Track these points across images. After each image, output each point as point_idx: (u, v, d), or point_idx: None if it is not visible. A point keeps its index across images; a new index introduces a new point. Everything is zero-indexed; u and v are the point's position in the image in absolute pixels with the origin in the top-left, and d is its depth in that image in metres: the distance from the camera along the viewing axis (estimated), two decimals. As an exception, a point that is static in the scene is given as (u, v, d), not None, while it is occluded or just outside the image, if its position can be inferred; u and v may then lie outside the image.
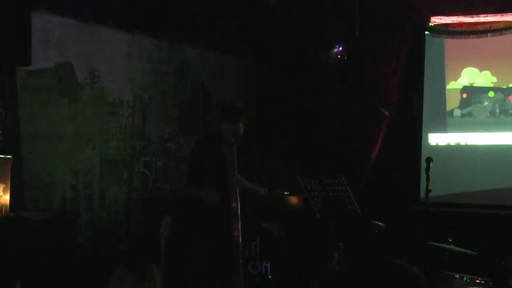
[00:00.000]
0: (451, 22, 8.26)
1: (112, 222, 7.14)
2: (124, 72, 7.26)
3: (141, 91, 7.45)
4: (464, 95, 8.40)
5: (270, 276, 7.31)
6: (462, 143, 8.34)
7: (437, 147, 8.38)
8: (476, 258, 6.32)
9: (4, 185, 5.52)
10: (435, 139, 8.42)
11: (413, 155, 8.31)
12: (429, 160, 6.42)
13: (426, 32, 8.42)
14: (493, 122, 8.22)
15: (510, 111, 8.15)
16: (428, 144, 8.42)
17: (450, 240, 6.30)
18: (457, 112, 8.40)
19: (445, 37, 8.37)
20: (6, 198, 5.53)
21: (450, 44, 8.39)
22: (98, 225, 6.99)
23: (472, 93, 8.36)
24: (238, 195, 5.57)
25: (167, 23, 7.54)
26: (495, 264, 6.43)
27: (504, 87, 8.20)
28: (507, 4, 7.86)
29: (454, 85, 8.44)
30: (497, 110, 8.22)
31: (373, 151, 8.20)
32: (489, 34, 8.11)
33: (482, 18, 8.08)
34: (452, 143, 8.37)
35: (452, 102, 8.44)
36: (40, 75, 6.40)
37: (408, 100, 8.45)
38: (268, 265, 7.30)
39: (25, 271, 5.40)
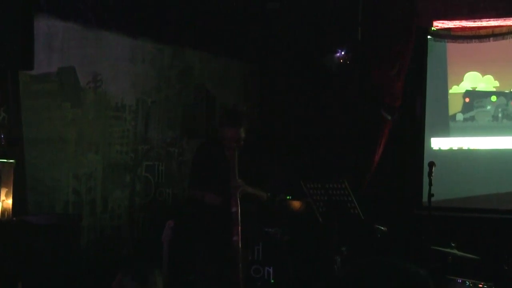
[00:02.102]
0: (454, 26, 8.25)
1: (114, 226, 7.14)
2: (127, 76, 7.27)
3: (144, 95, 7.46)
4: (467, 100, 8.40)
5: (272, 280, 7.31)
6: (465, 147, 8.33)
7: (439, 151, 8.37)
8: (479, 263, 6.31)
9: (7, 189, 5.53)
10: (438, 143, 8.41)
11: (416, 160, 8.31)
12: (431, 164, 6.43)
13: (429, 37, 8.42)
14: (496, 127, 8.21)
15: (513, 115, 8.15)
16: (431, 148, 8.41)
17: (452, 244, 6.30)
18: (460, 117, 8.40)
19: (447, 42, 8.37)
20: (9, 202, 5.54)
21: (453, 48, 8.38)
22: (100, 229, 6.99)
23: (475, 97, 8.35)
24: (238, 199, 5.56)
25: (170, 28, 7.55)
26: (498, 269, 6.43)
27: (507, 91, 8.20)
28: (510, 9, 7.85)
29: (456, 89, 8.44)
30: (500, 114, 8.21)
31: (376, 155, 8.19)
32: (491, 39, 8.10)
33: (484, 23, 8.08)
34: (455, 147, 8.37)
35: (455, 107, 8.44)
36: (43, 80, 6.41)
37: (410, 104, 8.45)
38: (271, 269, 7.30)
39: (27, 275, 5.41)
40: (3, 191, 5.51)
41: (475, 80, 8.36)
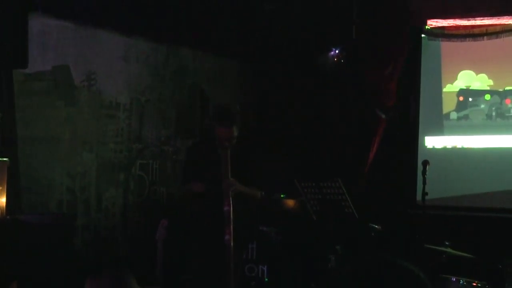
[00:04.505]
0: (448, 25, 8.27)
1: (108, 225, 7.13)
2: (121, 75, 7.26)
3: (138, 94, 7.45)
4: (461, 98, 8.41)
5: (266, 279, 7.31)
6: (459, 146, 8.35)
7: (433, 150, 8.38)
8: (473, 261, 6.32)
9: (0, 188, 5.52)
10: (432, 142, 8.43)
11: (410, 158, 8.31)
12: (425, 163, 6.42)
13: (423, 35, 8.44)
14: (490, 125, 8.23)
15: (507, 114, 8.16)
16: (425, 147, 8.42)
17: (447, 243, 6.30)
18: (454, 115, 8.41)
19: (441, 40, 8.38)
20: (3, 200, 5.52)
21: (447, 47, 8.40)
22: (95, 228, 6.98)
23: (469, 96, 8.37)
24: (230, 198, 5.55)
25: (164, 26, 7.53)
26: (492, 267, 6.44)
27: (501, 90, 8.22)
28: (503, 8, 7.87)
29: (450, 88, 8.46)
30: (494, 113, 8.23)
31: (370, 154, 8.20)
32: (485, 37, 8.12)
33: (478, 21, 8.10)
34: (449, 146, 8.38)
35: (449, 105, 8.45)
36: (37, 78, 6.39)
37: (404, 103, 8.46)
38: (265, 268, 7.30)
39: (21, 274, 5.39)
40: (-3, 190, 5.50)
41: (469, 79, 8.37)
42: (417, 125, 8.47)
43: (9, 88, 6.02)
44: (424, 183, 6.27)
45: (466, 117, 8.36)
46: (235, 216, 5.53)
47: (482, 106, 8.30)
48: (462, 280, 6.02)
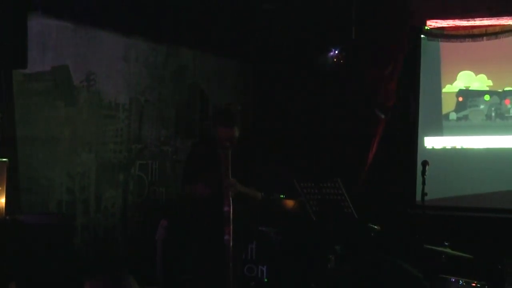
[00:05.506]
0: (447, 25, 8.28)
1: (108, 225, 7.13)
2: (121, 75, 7.26)
3: (138, 94, 7.45)
4: (460, 99, 8.41)
5: (266, 279, 7.31)
6: (458, 146, 8.34)
7: (433, 150, 8.38)
8: (472, 262, 6.32)
9: (0, 188, 5.51)
10: (431, 142, 8.43)
11: (409, 159, 8.31)
12: (425, 163, 6.42)
13: (422, 36, 8.44)
14: (489, 126, 8.22)
15: (506, 115, 8.16)
16: (424, 147, 8.42)
17: (446, 243, 6.30)
18: (453, 116, 8.41)
19: (441, 41, 8.38)
20: (2, 201, 5.52)
21: (446, 47, 8.40)
22: (94, 228, 6.98)
23: (468, 96, 8.37)
24: (230, 198, 5.54)
25: (164, 27, 7.54)
26: (491, 268, 6.44)
27: (500, 90, 8.21)
28: (503, 8, 7.88)
29: (450, 88, 8.46)
30: (493, 114, 8.23)
31: (369, 155, 8.20)
32: (485, 38, 8.12)
33: (478, 22, 8.10)
34: (448, 146, 8.38)
35: (448, 106, 8.45)
36: (36, 78, 6.39)
37: (404, 104, 8.46)
38: (264, 269, 7.30)
39: (21, 275, 5.39)
40: (-4, 190, 5.50)
41: (468, 79, 8.37)
42: (416, 125, 8.47)
43: (9, 88, 6.02)
44: (424, 183, 6.27)
45: (465, 117, 8.36)
46: (234, 217, 5.52)
47: (482, 106, 8.30)
48: (462, 281, 6.02)
